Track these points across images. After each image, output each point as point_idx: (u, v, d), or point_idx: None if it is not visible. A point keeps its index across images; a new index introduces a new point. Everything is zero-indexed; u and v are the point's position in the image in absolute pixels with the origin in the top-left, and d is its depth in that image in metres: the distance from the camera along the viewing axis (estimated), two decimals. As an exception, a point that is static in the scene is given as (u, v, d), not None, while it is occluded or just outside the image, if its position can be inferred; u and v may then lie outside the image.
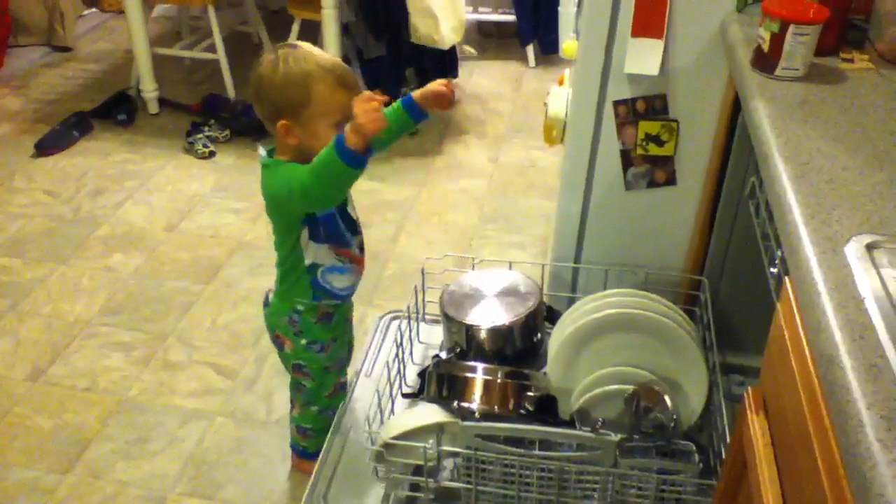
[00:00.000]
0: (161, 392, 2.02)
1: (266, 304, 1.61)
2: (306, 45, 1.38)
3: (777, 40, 1.27)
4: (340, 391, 1.68)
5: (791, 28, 1.26)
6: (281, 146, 1.42)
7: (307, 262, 1.49)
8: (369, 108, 1.23)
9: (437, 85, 1.47)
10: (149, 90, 3.37)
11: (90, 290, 2.37)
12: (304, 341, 1.56)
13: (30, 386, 2.03)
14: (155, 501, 1.73)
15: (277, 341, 1.60)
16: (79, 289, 2.38)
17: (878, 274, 0.82)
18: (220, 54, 3.36)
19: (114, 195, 2.86)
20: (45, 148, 3.11)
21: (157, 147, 3.18)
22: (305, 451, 1.74)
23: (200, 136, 3.15)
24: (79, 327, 2.23)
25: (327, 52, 3.21)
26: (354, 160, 1.27)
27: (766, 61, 1.30)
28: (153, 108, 3.41)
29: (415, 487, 1.49)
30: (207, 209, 2.79)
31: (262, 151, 1.45)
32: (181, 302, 2.33)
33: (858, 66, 1.36)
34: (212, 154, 3.11)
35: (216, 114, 3.26)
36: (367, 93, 1.27)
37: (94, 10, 4.51)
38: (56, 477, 1.78)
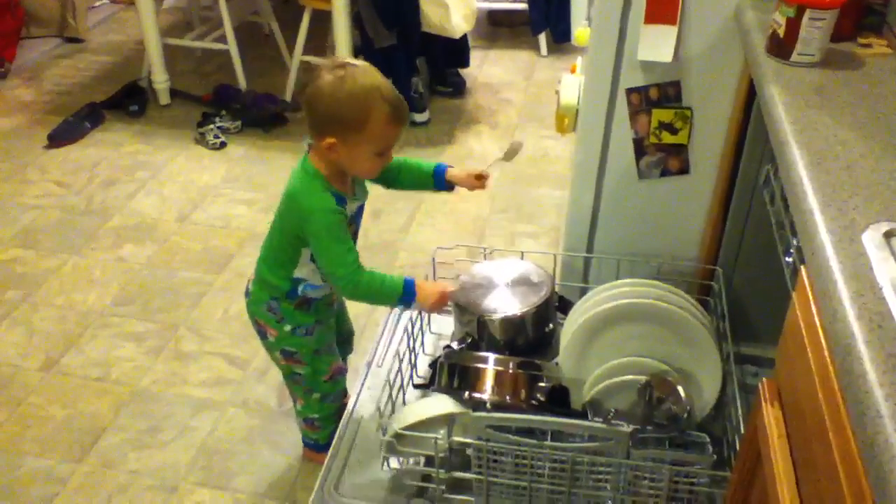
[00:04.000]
0: (173, 382, 2.02)
1: (247, 293, 1.61)
2: (366, 65, 1.40)
3: (793, 25, 1.25)
4: (339, 376, 1.68)
5: (807, 13, 1.23)
6: (319, 153, 1.42)
7: (295, 274, 1.50)
8: (441, 302, 1.50)
9: (474, 178, 1.58)
10: (160, 81, 3.37)
11: (102, 281, 2.38)
12: (287, 327, 1.56)
13: (43, 376, 2.04)
14: (167, 491, 1.74)
15: (260, 330, 1.61)
16: (91, 279, 2.39)
17: (897, 262, 0.80)
18: (231, 45, 3.35)
19: (125, 186, 2.87)
20: (58, 139, 3.12)
21: (169, 138, 3.19)
22: (317, 443, 1.74)
23: (211, 126, 3.15)
24: (91, 317, 2.24)
25: (338, 42, 3.19)
26: (407, 305, 1.49)
27: (781, 47, 1.28)
28: (164, 99, 3.42)
29: (426, 478, 1.49)
30: (219, 200, 2.79)
31: (306, 146, 1.46)
32: (193, 292, 2.33)
33: (876, 52, 1.33)
34: (223, 145, 3.11)
35: (227, 104, 3.26)
36: (439, 290, 1.49)
37: (105, 1, 4.52)
38: (69, 466, 1.79)
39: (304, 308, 1.56)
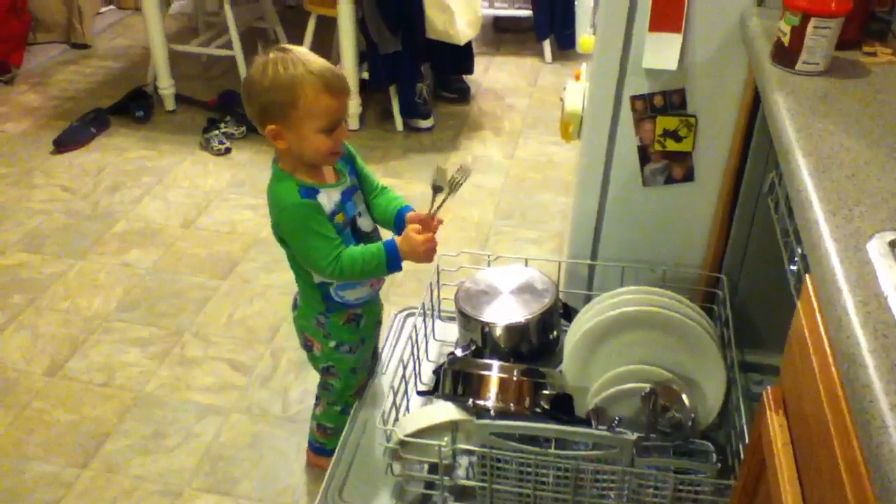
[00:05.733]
0: (177, 387, 2.02)
1: (294, 306, 1.61)
2: (298, 50, 1.37)
3: (798, 34, 1.25)
4: (363, 392, 1.68)
5: (812, 21, 1.23)
6: (278, 151, 1.42)
7: (316, 280, 1.49)
8: (430, 246, 1.44)
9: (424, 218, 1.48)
10: (165, 87, 3.38)
11: (107, 286, 2.39)
12: (332, 343, 1.56)
13: (48, 380, 2.04)
14: (171, 496, 1.74)
15: (307, 344, 1.61)
16: (96, 284, 2.39)
17: (902, 271, 0.80)
18: (237, 50, 3.36)
19: (131, 191, 2.88)
20: (64, 144, 3.13)
21: (174, 143, 3.20)
22: (323, 447, 1.74)
23: (217, 132, 3.16)
24: (96, 322, 2.24)
25: (343, 48, 3.19)
26: (399, 268, 1.46)
27: (786, 55, 1.28)
28: (170, 104, 3.43)
29: (430, 485, 1.49)
30: (224, 205, 2.80)
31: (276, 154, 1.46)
32: (197, 297, 2.34)
33: (881, 60, 1.33)
34: (228, 150, 3.12)
35: (232, 110, 3.27)
36: (422, 237, 1.43)
37: (111, 7, 4.55)
38: (73, 471, 1.79)
39: (353, 325, 1.56)
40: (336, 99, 1.35)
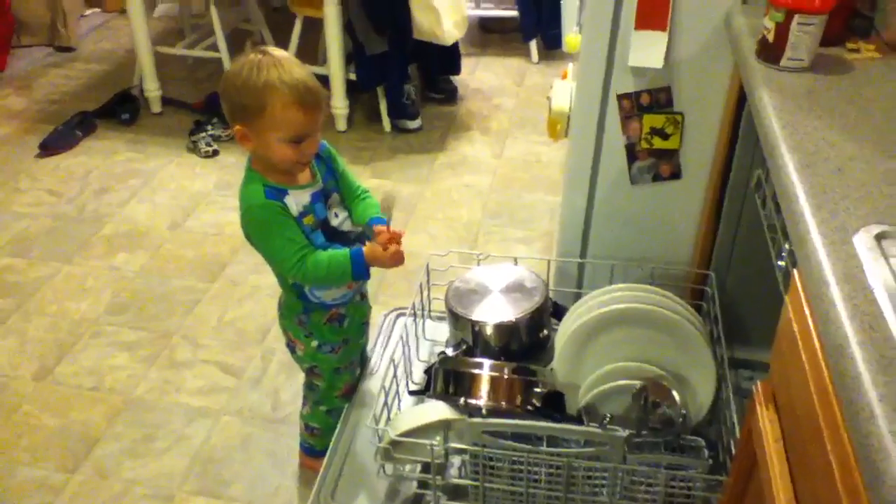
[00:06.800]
0: (167, 390, 2.02)
1: (279, 307, 1.61)
2: (278, 54, 1.35)
3: (782, 30, 1.26)
4: (351, 393, 1.68)
5: (796, 18, 1.25)
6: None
7: (290, 280, 1.48)
8: (397, 254, 1.41)
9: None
10: (152, 89, 3.36)
11: (95, 289, 2.37)
12: (314, 343, 1.56)
13: (36, 385, 2.03)
14: (162, 500, 1.73)
15: (290, 343, 1.60)
16: (84, 288, 2.38)
17: (888, 264, 0.81)
18: (223, 52, 3.35)
19: (118, 194, 2.86)
20: (49, 147, 3.11)
21: (161, 146, 3.18)
22: (312, 448, 1.74)
23: (203, 134, 3.14)
24: (84, 326, 2.23)
25: (330, 50, 3.18)
26: (366, 275, 1.46)
27: (771, 52, 1.29)
28: (156, 107, 3.41)
29: (422, 485, 1.49)
30: (211, 207, 2.79)
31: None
32: (186, 300, 2.33)
33: (864, 56, 1.35)
34: (215, 152, 3.11)
35: (219, 112, 3.24)
36: (389, 251, 1.41)
37: (96, 9, 4.52)
38: (63, 476, 1.78)
39: (336, 324, 1.56)
40: (305, 113, 1.33)
